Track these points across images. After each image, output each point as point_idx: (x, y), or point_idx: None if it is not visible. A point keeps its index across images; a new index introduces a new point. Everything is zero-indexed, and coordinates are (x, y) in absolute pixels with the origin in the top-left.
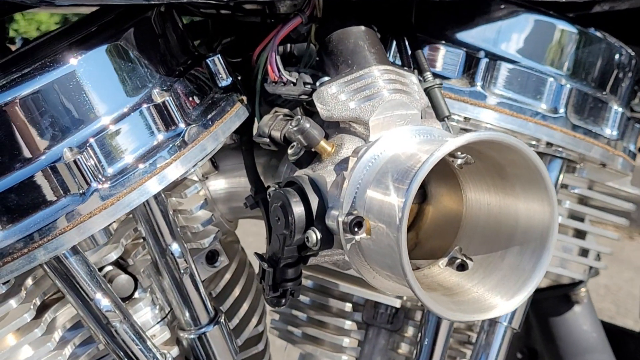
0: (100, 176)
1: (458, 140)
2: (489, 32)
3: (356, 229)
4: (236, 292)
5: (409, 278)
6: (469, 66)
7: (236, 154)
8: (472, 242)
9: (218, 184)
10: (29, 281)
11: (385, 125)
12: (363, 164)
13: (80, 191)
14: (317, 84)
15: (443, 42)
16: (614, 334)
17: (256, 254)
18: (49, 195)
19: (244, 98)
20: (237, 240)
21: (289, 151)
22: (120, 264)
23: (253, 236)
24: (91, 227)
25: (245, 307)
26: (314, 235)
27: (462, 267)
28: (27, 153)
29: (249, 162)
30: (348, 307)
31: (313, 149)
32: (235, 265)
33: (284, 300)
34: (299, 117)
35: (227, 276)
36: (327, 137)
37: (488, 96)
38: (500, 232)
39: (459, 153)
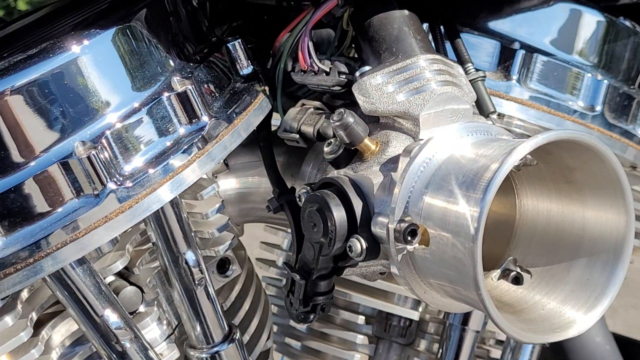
0: (117, 175)
1: (537, 140)
2: (523, 22)
3: (410, 238)
4: (246, 305)
5: (483, 294)
6: (505, 58)
7: (247, 151)
8: (529, 253)
9: (228, 184)
10: (24, 294)
11: (436, 121)
12: (417, 165)
13: (95, 192)
14: (357, 74)
15: (476, 32)
16: (626, 346)
17: (285, 263)
18: (59, 196)
19: (266, 88)
20: (243, 247)
21: (326, 149)
22: (122, 274)
23: None
24: (106, 234)
25: (255, 321)
26: (359, 244)
27: (517, 280)
28: (32, 147)
29: (269, 160)
30: (361, 319)
31: (354, 147)
32: (245, 275)
33: (312, 316)
34: (342, 110)
35: (237, 288)
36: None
37: (524, 91)
38: (562, 242)
39: None
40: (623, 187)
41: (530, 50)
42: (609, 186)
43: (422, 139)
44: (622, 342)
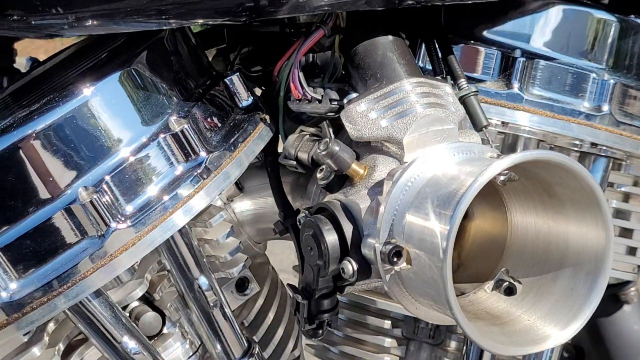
0: (119, 215)
1: (503, 163)
2: (523, 29)
3: (395, 259)
4: (270, 317)
5: (455, 312)
6: (505, 67)
7: (261, 173)
8: (520, 264)
9: (244, 206)
10: (51, 325)
11: (421, 143)
12: (399, 188)
13: (99, 233)
14: (345, 101)
15: (475, 42)
16: None
17: (289, 285)
18: (66, 239)
19: (267, 117)
20: (267, 261)
21: (318, 175)
22: (147, 298)
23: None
24: (113, 270)
25: (280, 332)
26: (350, 266)
27: (509, 290)
28: (40, 196)
29: (275, 184)
30: (387, 324)
31: (344, 173)
32: (267, 289)
33: (320, 332)
34: (327, 139)
35: (260, 302)
36: (358, 157)
37: (526, 98)
38: (550, 254)
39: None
40: (600, 201)
41: (532, 56)
42: (586, 201)
43: (406, 162)
44: None
